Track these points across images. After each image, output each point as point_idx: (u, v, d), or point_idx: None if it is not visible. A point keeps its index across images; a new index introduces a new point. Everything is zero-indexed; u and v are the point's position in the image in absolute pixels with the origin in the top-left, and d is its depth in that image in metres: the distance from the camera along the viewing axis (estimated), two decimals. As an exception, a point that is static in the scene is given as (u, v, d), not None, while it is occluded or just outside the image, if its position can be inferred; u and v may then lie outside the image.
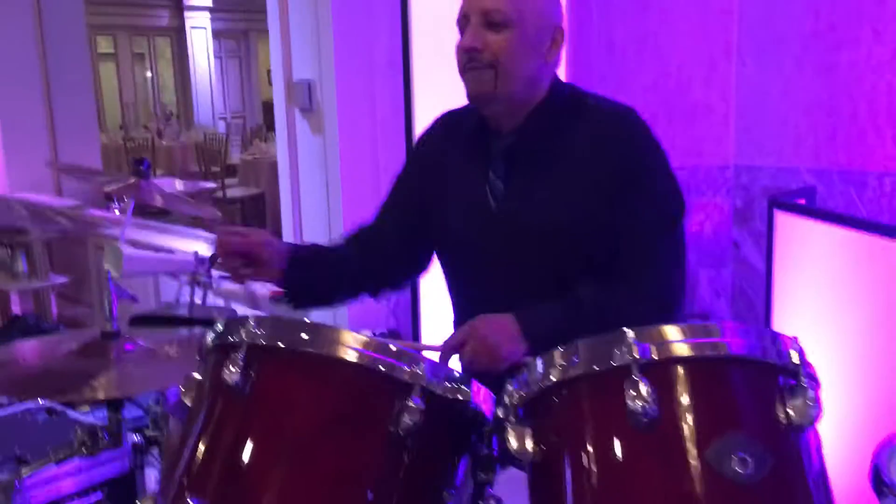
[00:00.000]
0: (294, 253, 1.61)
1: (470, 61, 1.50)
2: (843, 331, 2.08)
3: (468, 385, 1.14)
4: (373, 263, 1.71)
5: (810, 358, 1.00)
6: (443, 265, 1.72)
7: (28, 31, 5.22)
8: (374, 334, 2.93)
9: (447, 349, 1.43)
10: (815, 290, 2.21)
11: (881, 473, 1.11)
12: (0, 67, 5.15)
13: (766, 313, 2.46)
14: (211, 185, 9.06)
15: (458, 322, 1.67)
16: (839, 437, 1.98)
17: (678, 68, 3.27)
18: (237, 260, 1.53)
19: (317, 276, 1.66)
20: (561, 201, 1.52)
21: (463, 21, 1.52)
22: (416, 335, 2.92)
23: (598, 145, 1.52)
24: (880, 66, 2.87)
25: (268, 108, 12.78)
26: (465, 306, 1.68)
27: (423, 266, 1.77)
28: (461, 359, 1.42)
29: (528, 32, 1.49)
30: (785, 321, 2.37)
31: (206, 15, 14.76)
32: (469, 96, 1.54)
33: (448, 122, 1.74)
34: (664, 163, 1.56)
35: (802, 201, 2.63)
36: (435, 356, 1.35)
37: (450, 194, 1.65)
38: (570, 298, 1.49)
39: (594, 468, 0.97)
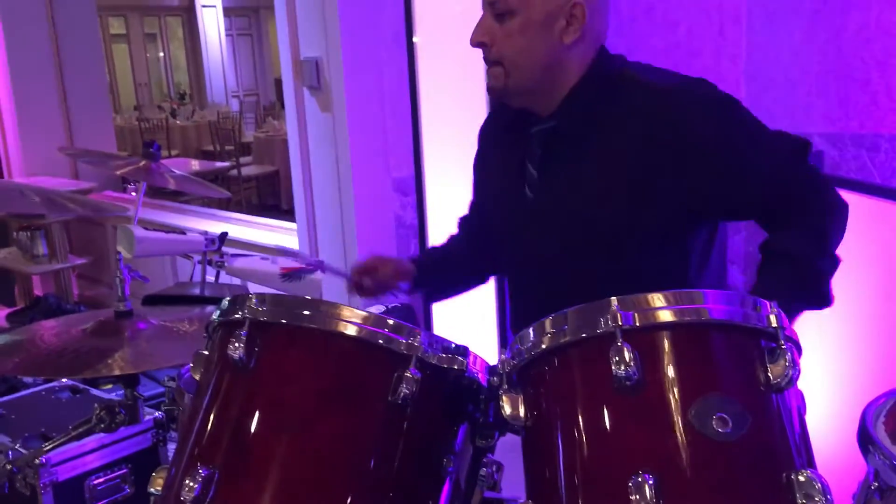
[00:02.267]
0: (418, 266, 1.69)
1: (484, 58, 1.45)
2: (853, 294, 2.09)
3: (464, 355, 1.17)
4: (476, 249, 1.74)
5: (803, 321, 1.03)
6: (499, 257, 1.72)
7: (40, 15, 5.25)
8: (387, 308, 2.97)
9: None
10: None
11: (868, 432, 1.14)
12: (13, 53, 5.20)
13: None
14: (225, 164, 9.11)
15: (514, 314, 1.68)
16: (834, 398, 2.01)
17: (688, 36, 3.26)
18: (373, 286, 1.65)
19: (441, 279, 1.76)
20: (596, 189, 1.43)
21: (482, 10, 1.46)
22: (427, 309, 2.96)
23: (651, 128, 1.38)
24: (891, 29, 2.84)
25: (280, 85, 12.81)
26: (517, 297, 1.66)
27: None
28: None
29: (533, 18, 1.39)
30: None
31: (217, -7, 14.75)
32: (488, 92, 1.50)
33: (497, 111, 1.69)
34: (741, 129, 1.41)
35: (810, 166, 2.62)
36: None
37: (492, 183, 1.64)
38: (772, 259, 1.40)
39: (582, 431, 1.01)
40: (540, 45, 1.41)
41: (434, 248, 1.81)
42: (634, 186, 1.40)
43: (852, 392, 2.01)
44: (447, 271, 1.76)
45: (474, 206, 1.78)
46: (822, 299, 1.41)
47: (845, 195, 2.12)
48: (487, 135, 1.70)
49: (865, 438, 1.13)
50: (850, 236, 2.11)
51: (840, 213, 1.46)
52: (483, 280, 1.82)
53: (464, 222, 1.81)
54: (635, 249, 1.43)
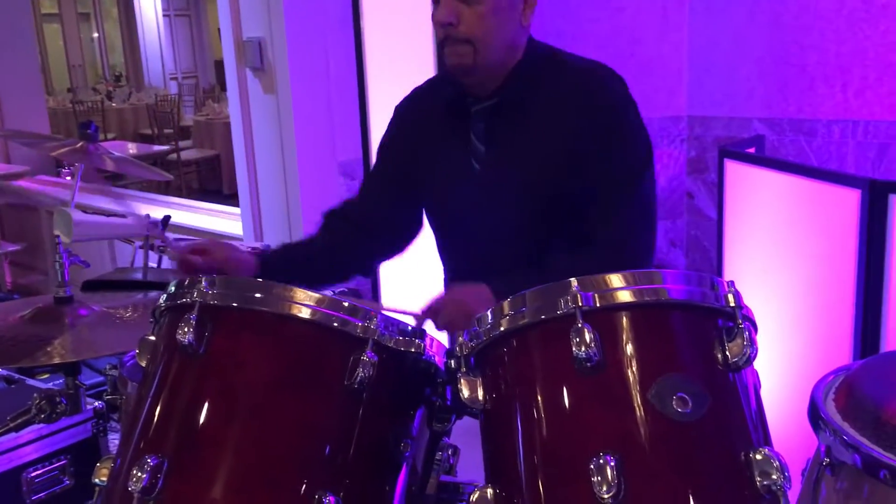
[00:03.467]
0: (263, 259, 1.59)
1: (446, 36, 1.49)
2: (791, 276, 2.14)
3: (421, 338, 1.16)
4: (364, 237, 1.71)
5: (748, 302, 1.04)
6: (433, 229, 1.74)
7: (-35, -8, 5.05)
8: (334, 293, 2.94)
9: (423, 314, 1.45)
10: (765, 236, 2.27)
11: (818, 408, 1.16)
12: (-62, 31, 4.98)
13: (718, 261, 2.52)
14: (164, 147, 8.91)
15: (449, 283, 1.71)
16: (784, 376, 2.05)
17: (632, 21, 3.28)
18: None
19: (292, 275, 1.56)
20: (541, 159, 1.53)
21: None
22: (375, 294, 2.94)
23: (575, 102, 1.52)
24: (828, 15, 2.91)
25: (220, 67, 12.54)
26: (455, 268, 1.71)
27: (415, 232, 1.77)
28: (437, 324, 1.44)
29: (501, 2, 1.48)
30: (735, 268, 2.43)
31: (153, -29, 14.37)
32: (449, 69, 1.54)
33: (429, 89, 1.74)
34: (637, 117, 1.57)
35: (752, 150, 2.67)
36: (410, 321, 1.37)
37: (433, 159, 1.66)
38: (542, 264, 1.51)
39: (542, 413, 1.01)
40: (508, 25, 1.51)
41: (292, 245, 1.72)
42: (572, 155, 1.51)
43: (802, 369, 2.05)
44: (303, 269, 1.66)
45: (373, 186, 1.76)
46: None
47: (785, 178, 2.17)
48: (410, 115, 1.73)
49: (816, 415, 1.15)
50: (787, 218, 2.16)
51: (615, 262, 1.44)
52: (345, 278, 1.78)
53: (343, 211, 1.74)
54: (573, 216, 1.52)
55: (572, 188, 1.51)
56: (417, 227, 1.77)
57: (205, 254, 1.52)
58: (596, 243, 1.51)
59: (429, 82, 1.77)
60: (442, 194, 1.66)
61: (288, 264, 1.64)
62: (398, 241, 1.78)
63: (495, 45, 1.50)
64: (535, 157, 1.54)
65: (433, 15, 1.51)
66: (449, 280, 1.74)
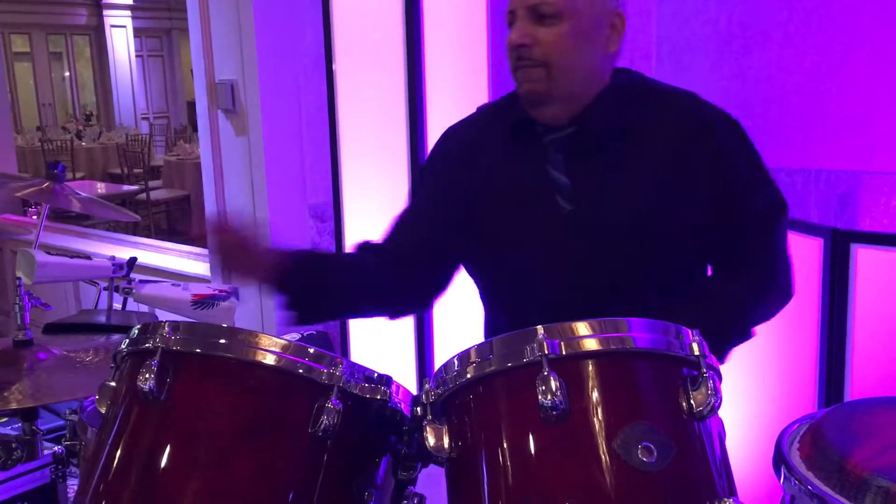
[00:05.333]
0: (296, 255, 1.43)
1: (520, 59, 1.37)
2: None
3: (387, 385, 1.15)
4: (395, 280, 1.49)
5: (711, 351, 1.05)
6: (486, 272, 1.54)
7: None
8: (302, 336, 2.91)
9: None
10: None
11: (784, 457, 1.16)
12: None
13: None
14: (133, 187, 8.85)
15: (498, 329, 1.45)
16: (749, 424, 2.06)
17: (598, 68, 3.34)
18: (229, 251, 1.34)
19: (328, 283, 1.45)
20: (645, 194, 1.39)
21: (510, 17, 1.40)
22: (343, 336, 2.91)
23: (684, 133, 1.40)
24: (790, 67, 2.98)
25: (192, 107, 12.54)
26: (516, 317, 1.46)
27: (448, 281, 1.57)
28: None
29: (582, 23, 1.36)
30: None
31: (127, 13, 14.40)
32: (522, 97, 1.42)
33: (483, 117, 1.56)
34: (753, 152, 1.46)
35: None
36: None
37: (500, 195, 1.47)
38: (703, 295, 1.41)
39: (508, 462, 1.00)
40: (588, 51, 1.39)
41: (326, 253, 1.58)
42: (672, 192, 1.39)
43: (767, 418, 2.06)
44: (336, 274, 1.48)
45: (429, 218, 1.54)
46: (720, 351, 1.40)
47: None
48: (466, 142, 1.54)
49: (781, 463, 1.16)
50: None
51: (780, 298, 1.48)
52: (394, 314, 1.56)
53: (378, 248, 1.53)
54: (672, 255, 1.42)
55: (685, 223, 1.39)
56: (449, 279, 1.56)
57: (224, 233, 1.33)
58: (751, 276, 1.42)
59: (480, 110, 1.59)
60: (515, 234, 1.45)
61: (324, 272, 1.46)
62: (423, 295, 1.56)
63: (573, 71, 1.38)
64: (635, 193, 1.39)
65: (507, 39, 1.39)
66: (496, 330, 1.48)
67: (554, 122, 1.43)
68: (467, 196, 1.49)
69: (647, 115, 1.42)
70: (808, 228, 1.99)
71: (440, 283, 1.56)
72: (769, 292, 1.46)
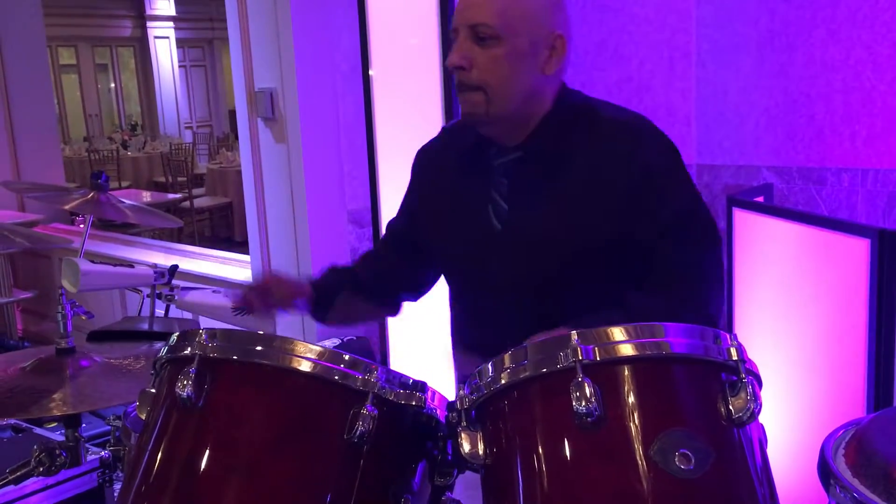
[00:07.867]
0: (318, 287, 1.61)
1: (459, 82, 1.40)
2: (801, 326, 2.11)
3: (422, 391, 1.14)
4: (383, 284, 1.69)
5: (758, 352, 1.02)
6: (448, 282, 1.65)
7: (-15, 45, 5.16)
8: (342, 342, 2.92)
9: None
10: (774, 285, 2.25)
11: (828, 465, 1.13)
12: (-42, 83, 5.08)
13: (728, 312, 2.49)
14: (177, 195, 8.99)
15: (458, 339, 1.63)
16: (793, 430, 2.01)
17: (639, 71, 3.31)
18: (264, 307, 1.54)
19: (343, 295, 1.64)
20: (572, 218, 1.42)
21: (453, 34, 1.41)
22: (383, 341, 2.92)
23: (613, 158, 1.40)
24: (835, 65, 2.92)
25: (234, 116, 12.75)
26: (466, 325, 1.61)
27: (430, 284, 1.72)
28: None
29: (520, 45, 1.37)
30: (745, 317, 2.41)
31: (170, 24, 14.65)
32: (463, 119, 1.45)
33: (446, 137, 1.64)
34: (679, 164, 1.47)
35: (761, 199, 2.66)
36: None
37: (450, 213, 1.55)
38: (623, 305, 1.39)
39: (543, 469, 0.99)
40: (524, 73, 1.39)
41: (340, 269, 1.70)
42: (602, 213, 1.41)
43: (811, 424, 2.01)
44: (351, 296, 1.65)
45: (405, 230, 1.68)
46: None
47: (793, 227, 2.16)
48: (431, 162, 1.64)
49: (826, 472, 1.13)
50: (797, 268, 2.14)
51: (698, 319, 1.36)
52: (393, 312, 1.76)
53: (373, 253, 1.78)
54: (599, 276, 1.44)
55: (612, 246, 1.41)
56: (431, 281, 1.71)
57: (266, 293, 1.52)
58: (672, 295, 1.40)
59: (446, 128, 1.67)
60: (456, 251, 1.55)
61: (338, 286, 1.64)
62: (408, 294, 1.73)
63: (510, 94, 1.38)
64: (559, 216, 1.43)
65: (448, 58, 1.41)
66: (458, 337, 1.63)
67: (507, 142, 1.47)
68: (431, 213, 1.60)
69: (583, 142, 1.43)
70: (854, 229, 1.94)
71: (423, 285, 1.72)
72: (686, 311, 1.38)
